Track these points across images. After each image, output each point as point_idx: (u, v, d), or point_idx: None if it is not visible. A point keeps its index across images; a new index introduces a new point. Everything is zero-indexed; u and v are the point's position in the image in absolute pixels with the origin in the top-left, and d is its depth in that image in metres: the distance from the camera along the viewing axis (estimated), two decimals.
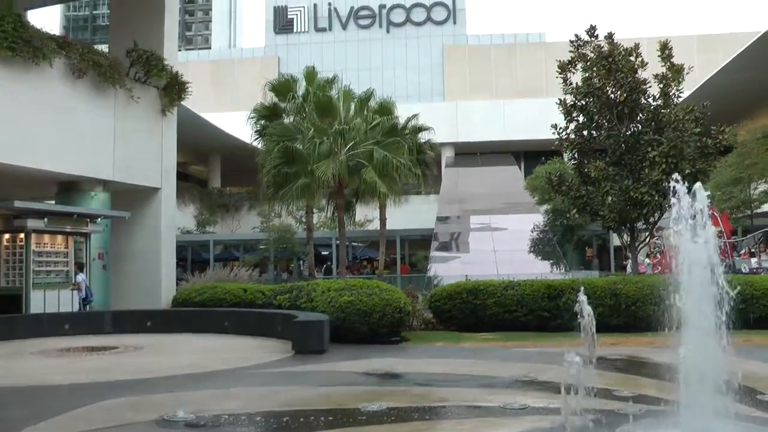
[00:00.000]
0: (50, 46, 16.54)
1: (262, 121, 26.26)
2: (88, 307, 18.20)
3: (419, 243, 37.75)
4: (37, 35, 16.17)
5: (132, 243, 20.70)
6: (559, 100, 18.81)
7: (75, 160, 17.83)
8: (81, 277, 18.03)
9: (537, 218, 34.30)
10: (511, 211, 36.20)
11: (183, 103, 23.15)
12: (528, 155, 52.42)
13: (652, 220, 18.03)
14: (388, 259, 35.99)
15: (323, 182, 22.20)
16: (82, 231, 18.10)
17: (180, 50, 46.30)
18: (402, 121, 27.37)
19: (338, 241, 26.79)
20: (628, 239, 18.70)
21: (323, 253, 38.49)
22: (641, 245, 19.81)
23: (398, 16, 65.78)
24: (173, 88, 21.07)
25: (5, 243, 17.41)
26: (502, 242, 31.28)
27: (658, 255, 29.29)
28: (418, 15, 65.56)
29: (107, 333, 16.13)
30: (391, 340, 13.84)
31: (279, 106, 26.15)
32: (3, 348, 13.90)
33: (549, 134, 19.32)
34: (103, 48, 20.45)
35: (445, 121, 48.03)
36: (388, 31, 65.65)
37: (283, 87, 25.87)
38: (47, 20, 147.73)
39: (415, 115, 29.24)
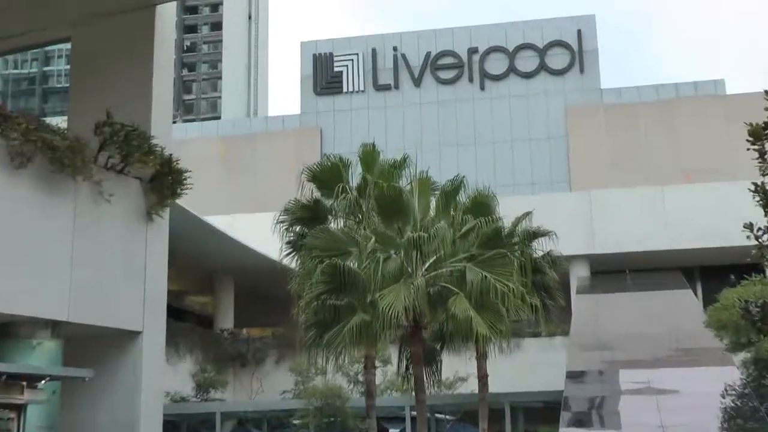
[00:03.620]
0: None
1: (298, 227, 26.32)
2: None
3: (541, 414, 36.69)
4: None
5: (94, 416, 20.25)
6: (754, 184, 18.19)
7: (8, 292, 17.69)
8: None
9: (730, 374, 33.04)
10: (687, 363, 35.32)
11: (179, 201, 23.27)
12: (707, 272, 51.24)
13: None
14: None
15: (391, 320, 21.74)
16: (14, 401, 17.62)
17: (176, 122, 47.58)
18: (508, 223, 27.25)
19: (415, 412, 26.29)
20: None
21: (392, 430, 37.77)
22: None
23: (497, 65, 66.89)
24: (165, 180, 21.11)
25: None
26: (673, 413, 30.22)
27: None
28: (527, 62, 66.56)
29: None
30: None
31: (322, 204, 26.18)
32: None
33: (741, 238, 18.59)
34: (60, 122, 20.92)
35: (574, 221, 47.59)
36: (482, 88, 66.66)
37: (328, 175, 25.97)
38: None
39: (527, 214, 28.95)
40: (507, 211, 27.48)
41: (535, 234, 29.20)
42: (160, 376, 21.48)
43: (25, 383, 17.54)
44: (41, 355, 18.81)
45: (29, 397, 17.67)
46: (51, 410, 19.06)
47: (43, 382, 18.02)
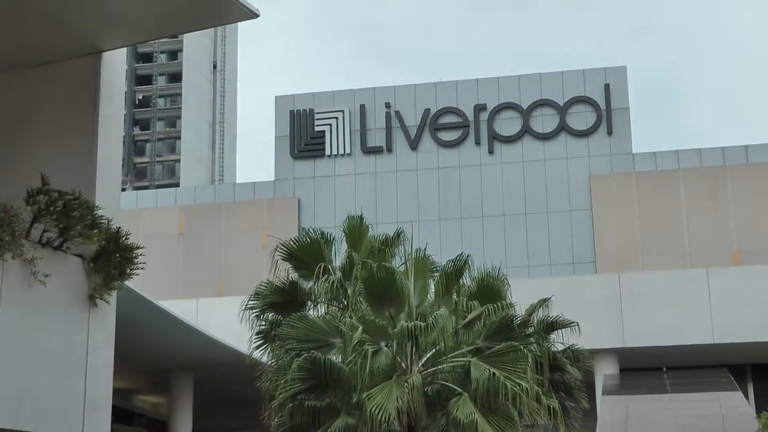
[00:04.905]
0: None
1: (271, 314, 26.54)
2: None
3: None
4: None
5: None
6: None
7: None
8: None
9: None
10: None
11: (129, 283, 23.30)
12: (760, 370, 51.20)
13: None
14: None
15: (381, 424, 21.73)
16: None
17: (125, 189, 47.71)
18: (521, 311, 27.32)
19: None
20: None
21: None
22: None
23: (508, 125, 67.06)
24: (112, 258, 21.19)
25: None
26: None
27: None
28: (545, 121, 66.73)
29: None
30: None
31: (300, 287, 26.44)
32: None
33: None
34: None
35: (600, 309, 47.62)
36: (491, 151, 66.83)
37: (307, 252, 26.30)
38: None
39: (544, 301, 29.02)
40: (520, 297, 27.53)
41: (554, 324, 29.17)
42: None
43: None
44: None
45: None
46: None
47: None
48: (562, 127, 66.09)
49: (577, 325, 29.41)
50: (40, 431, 19.72)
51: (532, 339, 26.67)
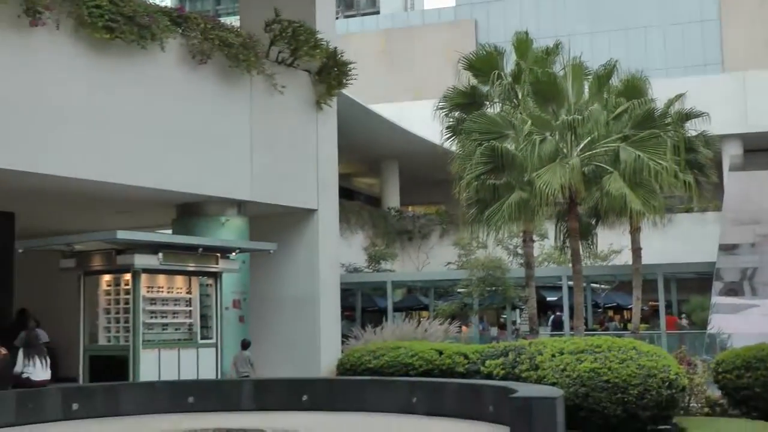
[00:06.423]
0: (161, 23, 17.38)
1: (456, 113, 26.78)
2: None
3: (692, 284, 36.32)
4: (142, 9, 17.01)
5: (278, 286, 21.46)
6: None
7: (198, 175, 18.71)
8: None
9: None
10: None
11: (344, 91, 23.78)
12: None
13: None
14: (645, 308, 35.06)
15: (547, 197, 22.12)
16: (210, 269, 18.81)
17: (338, 18, 47.75)
18: (660, 104, 26.99)
19: (571, 282, 26.57)
20: None
21: (549, 298, 37.94)
22: None
23: None
24: (331, 72, 21.71)
25: (105, 287, 18.15)
26: None
27: None
28: None
29: (246, 409, 16.45)
30: (657, 430, 13.69)
31: (479, 91, 26.57)
32: (104, 428, 14.57)
33: None
34: (233, 22, 21.41)
35: (727, 102, 46.02)
36: None
37: (483, 63, 26.25)
38: None
39: (679, 96, 28.58)
40: (659, 94, 27.13)
41: (688, 115, 28.93)
42: (336, 248, 22.48)
43: (218, 255, 18.68)
44: (230, 231, 19.94)
45: (223, 266, 18.87)
46: (242, 279, 20.28)
47: (233, 253, 19.14)
48: None
49: (708, 115, 29.06)
50: (288, 202, 20.89)
51: (670, 127, 26.44)
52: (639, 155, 22.52)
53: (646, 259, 29.61)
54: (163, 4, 18.40)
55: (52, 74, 15.81)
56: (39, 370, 15.94)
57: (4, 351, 15.94)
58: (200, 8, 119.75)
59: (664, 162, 22.82)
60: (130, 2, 16.76)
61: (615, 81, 26.43)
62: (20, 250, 18.89)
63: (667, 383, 13.58)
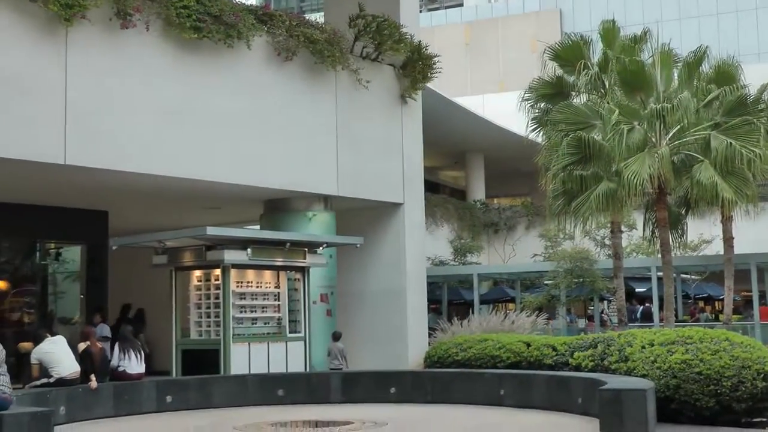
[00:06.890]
0: (247, 22, 17.65)
1: (542, 104, 26.67)
2: None
3: None
4: (228, 8, 17.29)
5: (365, 280, 21.62)
6: None
7: (285, 170, 18.93)
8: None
9: None
10: None
11: (429, 84, 23.79)
12: None
13: None
14: (738, 299, 34.63)
15: (635, 187, 21.86)
16: (298, 264, 19.10)
17: (421, 11, 47.81)
18: (753, 90, 26.29)
19: (660, 273, 26.19)
20: None
21: (638, 290, 37.60)
22: None
23: None
24: (415, 66, 21.77)
25: (196, 282, 18.66)
26: None
27: None
28: None
29: (335, 402, 16.86)
30: (752, 423, 13.48)
31: (565, 81, 26.38)
32: (197, 420, 14.88)
33: None
34: (317, 18, 21.55)
35: None
36: None
37: (569, 53, 26.07)
38: None
39: None
40: (752, 79, 26.58)
41: None
42: (422, 241, 22.51)
43: (306, 249, 18.93)
44: (317, 226, 20.17)
45: (311, 261, 19.14)
46: (329, 274, 20.50)
47: (321, 248, 19.38)
48: None
49: None
50: (374, 196, 21.08)
51: (763, 113, 25.85)
52: (731, 143, 22.16)
53: (739, 248, 29.07)
54: (248, 3, 18.59)
55: (143, 75, 16.18)
56: (134, 364, 16.33)
57: (100, 345, 16.34)
58: (285, 5, 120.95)
59: (758, 149, 22.40)
60: (217, 1, 17.04)
61: (705, 68, 25.98)
62: (114, 247, 19.31)
63: (762, 375, 13.31)
